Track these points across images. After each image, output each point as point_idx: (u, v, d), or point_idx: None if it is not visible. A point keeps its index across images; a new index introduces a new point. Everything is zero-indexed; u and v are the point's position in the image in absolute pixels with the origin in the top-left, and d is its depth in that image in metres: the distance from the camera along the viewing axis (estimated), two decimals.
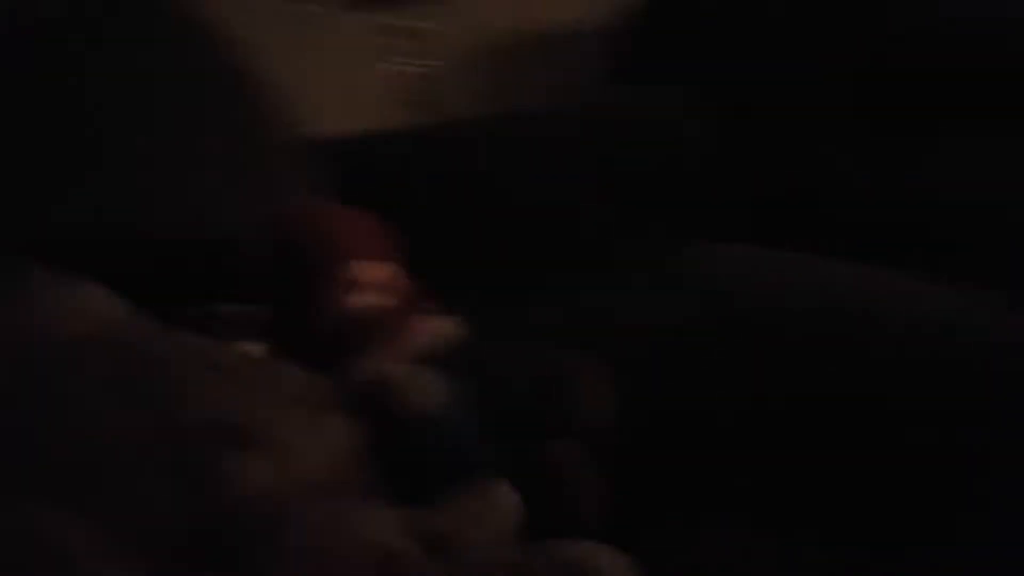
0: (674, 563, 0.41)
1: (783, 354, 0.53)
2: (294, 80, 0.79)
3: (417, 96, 1.06)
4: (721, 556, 0.44)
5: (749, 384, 0.52)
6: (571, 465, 0.45)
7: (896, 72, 0.93)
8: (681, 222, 0.78)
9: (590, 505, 0.44)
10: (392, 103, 1.04)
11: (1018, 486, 0.46)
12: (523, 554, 0.36)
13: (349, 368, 0.48)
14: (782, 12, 0.96)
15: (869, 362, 0.53)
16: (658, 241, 0.77)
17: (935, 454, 0.47)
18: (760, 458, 0.49)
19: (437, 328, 0.54)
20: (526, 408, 0.49)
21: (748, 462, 0.49)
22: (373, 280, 0.54)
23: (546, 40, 1.14)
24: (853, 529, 0.45)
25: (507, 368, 0.52)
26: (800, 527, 0.45)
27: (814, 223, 0.86)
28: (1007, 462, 0.47)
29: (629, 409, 0.49)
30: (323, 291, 0.53)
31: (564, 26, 1.13)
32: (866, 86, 0.92)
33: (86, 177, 0.59)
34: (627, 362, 0.53)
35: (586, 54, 1.10)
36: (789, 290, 0.62)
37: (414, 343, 0.52)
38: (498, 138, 0.83)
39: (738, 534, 0.45)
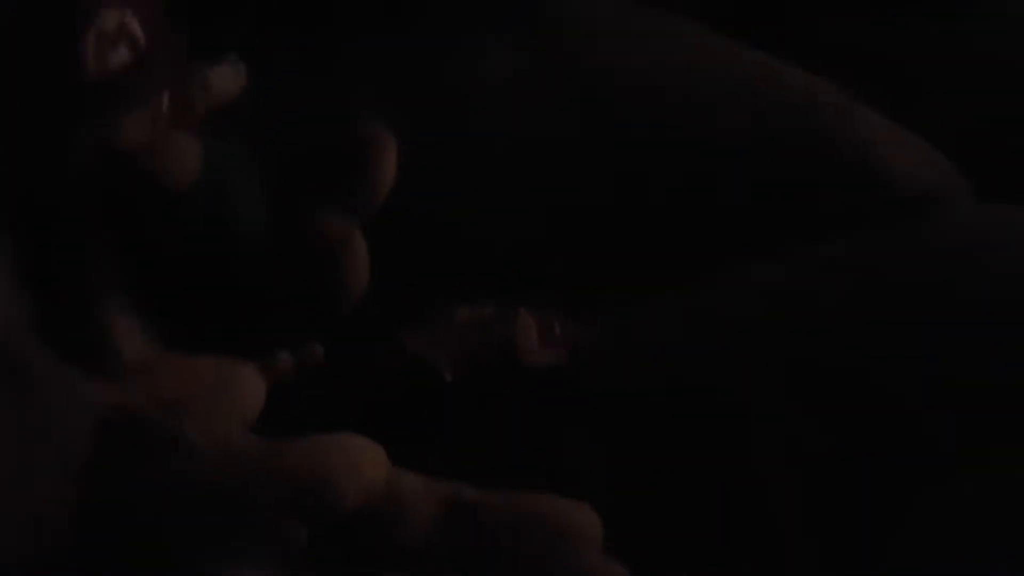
0: None
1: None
2: None
3: None
4: None
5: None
6: (338, 239, 0.50)
7: None
8: None
9: (354, 283, 0.50)
10: None
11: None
12: None
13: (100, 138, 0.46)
14: None
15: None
16: None
17: None
18: None
19: (212, 81, 0.51)
20: (305, 176, 0.51)
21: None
22: (128, 31, 0.46)
23: None
24: None
25: (291, 130, 0.53)
26: None
27: None
28: None
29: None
30: (61, 44, 0.45)
31: None
32: None
33: None
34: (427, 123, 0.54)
35: None
36: (650, 58, 0.63)
37: (184, 103, 0.49)
38: None
39: None
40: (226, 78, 0.53)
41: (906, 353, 0.47)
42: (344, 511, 0.37)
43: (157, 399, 0.38)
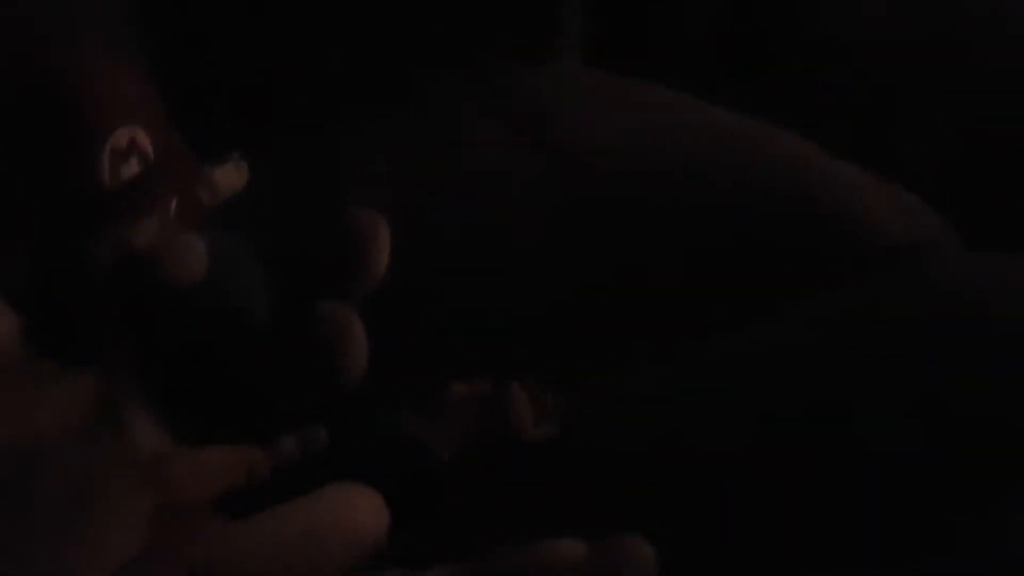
0: None
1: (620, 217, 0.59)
2: None
3: None
4: None
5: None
6: (338, 325, 0.51)
7: None
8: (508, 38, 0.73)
9: (354, 365, 0.51)
10: None
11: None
12: None
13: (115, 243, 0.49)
14: None
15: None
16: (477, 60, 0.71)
17: None
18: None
19: (216, 180, 0.54)
20: (304, 264, 0.53)
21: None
22: (138, 145, 0.50)
23: None
24: None
25: (290, 221, 0.56)
26: None
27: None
28: None
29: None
30: (78, 163, 0.49)
31: None
32: None
33: None
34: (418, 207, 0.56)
35: None
36: (631, 132, 0.64)
37: (191, 203, 0.53)
38: None
39: None
40: (229, 175, 0.56)
41: (896, 403, 0.47)
42: None
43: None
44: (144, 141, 0.50)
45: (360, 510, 0.42)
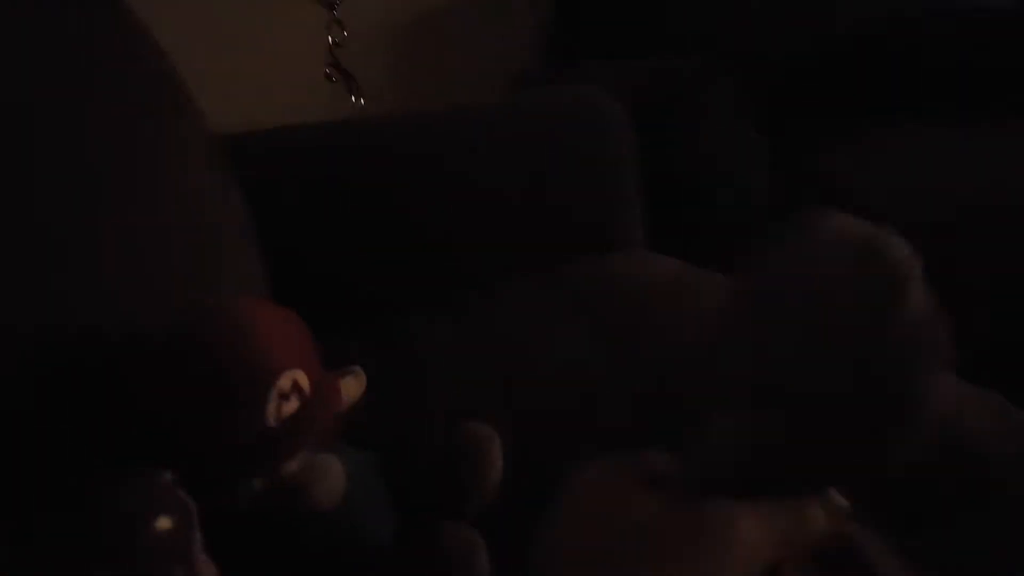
0: None
1: None
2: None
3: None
4: None
5: None
6: (464, 547, 0.54)
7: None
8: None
9: None
10: None
11: None
12: None
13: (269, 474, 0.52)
14: None
15: None
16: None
17: None
18: None
19: (348, 392, 0.57)
20: (424, 482, 0.57)
21: None
22: (298, 386, 0.53)
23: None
24: None
25: (409, 435, 0.60)
26: None
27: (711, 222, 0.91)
28: None
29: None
30: (249, 408, 0.51)
31: None
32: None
33: None
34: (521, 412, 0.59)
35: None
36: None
37: (331, 422, 0.55)
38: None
39: None
40: (352, 387, 0.59)
41: None
42: None
43: None
44: (304, 380, 0.53)
45: None
